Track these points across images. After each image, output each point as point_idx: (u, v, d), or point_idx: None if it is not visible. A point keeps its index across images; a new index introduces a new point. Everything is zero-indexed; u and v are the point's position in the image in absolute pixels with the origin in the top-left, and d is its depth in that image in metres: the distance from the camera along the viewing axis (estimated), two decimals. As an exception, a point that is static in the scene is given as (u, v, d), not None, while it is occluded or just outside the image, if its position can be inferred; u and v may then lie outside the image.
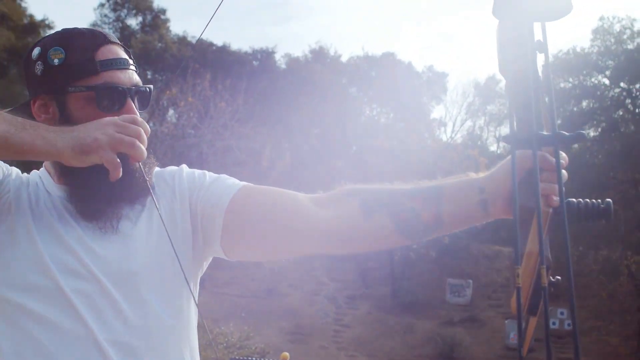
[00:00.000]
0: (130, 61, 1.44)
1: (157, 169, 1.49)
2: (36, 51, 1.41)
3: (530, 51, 1.10)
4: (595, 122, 28.82)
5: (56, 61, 1.37)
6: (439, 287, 25.93)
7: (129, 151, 1.25)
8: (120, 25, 37.23)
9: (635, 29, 27.86)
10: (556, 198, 1.19)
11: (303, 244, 1.46)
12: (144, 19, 37.83)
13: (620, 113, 29.04)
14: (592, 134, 28.13)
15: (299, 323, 22.93)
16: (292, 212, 1.43)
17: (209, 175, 1.52)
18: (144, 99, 1.44)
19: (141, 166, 1.38)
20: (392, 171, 22.32)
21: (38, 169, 1.49)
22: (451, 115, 39.50)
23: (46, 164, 1.46)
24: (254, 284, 24.42)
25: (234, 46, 35.22)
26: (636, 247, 23.79)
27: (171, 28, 38.29)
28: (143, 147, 1.27)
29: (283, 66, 36.73)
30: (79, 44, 1.39)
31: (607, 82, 28.87)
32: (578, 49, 28.73)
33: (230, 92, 26.16)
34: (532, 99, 1.10)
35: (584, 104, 28.97)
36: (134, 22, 38.04)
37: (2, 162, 1.40)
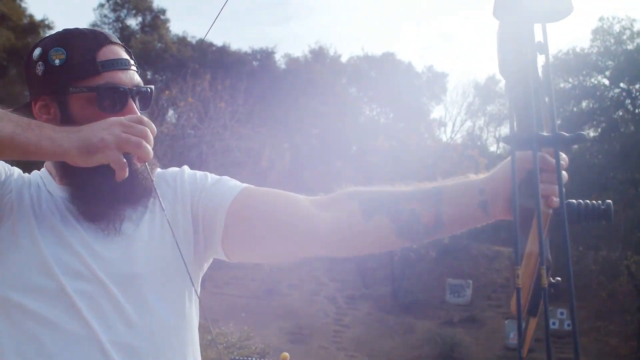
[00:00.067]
0: (132, 61, 1.43)
1: (158, 170, 1.49)
2: (37, 52, 1.40)
3: (530, 52, 1.10)
4: (595, 123, 28.85)
5: (57, 62, 1.37)
6: (439, 288, 25.94)
7: (135, 151, 1.25)
8: (120, 25, 37.27)
9: (635, 29, 27.90)
10: (556, 199, 1.19)
11: (304, 246, 1.46)
12: (143, 19, 37.86)
13: (620, 113, 29.06)
14: (592, 134, 28.16)
15: (299, 323, 22.94)
16: (292, 214, 1.43)
17: (211, 176, 1.51)
18: (145, 100, 1.44)
19: (147, 166, 1.38)
20: (392, 171, 22.33)
21: (39, 169, 1.49)
22: (451, 116, 39.58)
23: (47, 164, 1.46)
24: (254, 284, 24.43)
25: (234, 46, 35.33)
26: (636, 247, 23.82)
27: (171, 28, 38.38)
28: (149, 147, 1.26)
29: (283, 66, 36.77)
30: (80, 45, 1.39)
31: (606, 82, 28.89)
32: (578, 50, 28.79)
33: (230, 93, 26.18)
34: (532, 100, 1.10)
35: (584, 104, 29.00)
36: (133, 22, 38.12)
37: (3, 162, 1.39)
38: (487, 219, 1.34)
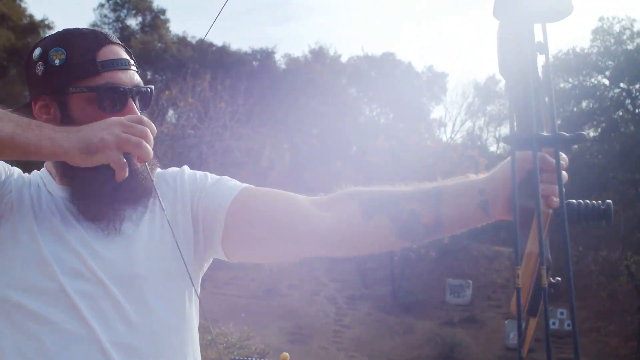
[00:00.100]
0: (132, 61, 1.43)
1: (158, 170, 1.49)
2: (37, 52, 1.40)
3: (530, 52, 1.10)
4: (595, 123, 28.85)
5: (57, 62, 1.37)
6: (439, 288, 25.95)
7: (135, 151, 1.25)
8: (120, 25, 37.28)
9: (635, 29, 27.91)
10: (556, 199, 1.19)
11: (304, 246, 1.46)
12: (143, 20, 37.87)
13: (620, 113, 29.07)
14: (592, 134, 28.16)
15: (299, 323, 22.95)
16: (292, 214, 1.43)
17: (211, 177, 1.51)
18: (145, 100, 1.44)
19: (147, 167, 1.38)
20: (392, 171, 22.33)
21: (39, 169, 1.49)
22: (451, 116, 39.55)
23: (47, 164, 1.46)
24: (254, 284, 24.44)
25: (234, 46, 35.29)
26: (636, 247, 23.82)
27: (171, 28, 38.38)
28: (149, 147, 1.27)
29: (283, 66, 36.77)
30: (80, 45, 1.38)
31: (606, 82, 28.90)
32: (578, 50, 28.80)
33: (230, 93, 26.18)
34: (532, 100, 1.10)
35: (584, 104, 29.00)
36: (133, 22, 38.13)
37: (3, 162, 1.39)
38: (487, 219, 1.34)
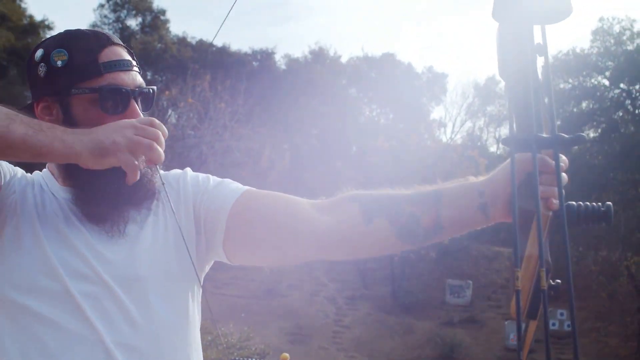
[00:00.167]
0: (134, 62, 1.43)
1: (161, 171, 1.50)
2: (39, 53, 1.40)
3: (530, 54, 1.10)
4: (595, 123, 28.83)
5: (59, 63, 1.36)
6: (439, 288, 25.94)
7: (147, 153, 1.25)
8: (120, 26, 37.25)
9: (635, 30, 27.89)
10: (556, 201, 1.19)
11: (304, 249, 1.46)
12: (143, 20, 37.84)
13: (620, 114, 29.05)
14: (592, 134, 28.14)
15: (298, 324, 22.94)
16: (293, 217, 1.43)
17: (213, 179, 1.52)
18: (148, 100, 1.44)
19: (158, 169, 1.38)
20: (392, 172, 22.34)
21: (40, 170, 1.49)
22: (451, 116, 39.58)
23: (50, 165, 1.46)
24: (254, 285, 24.43)
25: (234, 47, 35.23)
26: (636, 248, 23.80)
27: (171, 29, 38.33)
28: (161, 150, 1.27)
29: (283, 67, 36.75)
30: (82, 46, 1.38)
31: (606, 83, 28.88)
32: (578, 50, 28.78)
33: (230, 93, 26.15)
34: (531, 102, 1.10)
35: (584, 104, 28.98)
36: (133, 22, 38.09)
37: (6, 162, 1.39)
38: (487, 222, 1.34)
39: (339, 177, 24.59)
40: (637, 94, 28.60)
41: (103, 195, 1.35)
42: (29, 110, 1.41)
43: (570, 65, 28.03)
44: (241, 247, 1.48)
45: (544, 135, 1.10)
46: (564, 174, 1.19)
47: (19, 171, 1.44)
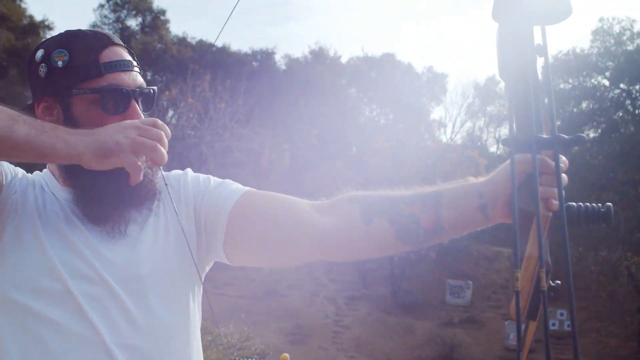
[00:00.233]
0: (134, 63, 1.43)
1: (162, 172, 1.50)
2: (40, 53, 1.40)
3: (530, 55, 1.10)
4: (595, 123, 28.83)
5: (60, 63, 1.37)
6: (439, 288, 25.92)
7: (150, 154, 1.24)
8: (120, 26, 37.24)
9: (635, 30, 27.89)
10: (556, 202, 1.18)
11: (304, 250, 1.46)
12: (143, 20, 37.83)
13: (620, 114, 29.05)
14: (592, 134, 28.14)
15: (298, 324, 22.93)
16: (293, 218, 1.43)
17: (213, 179, 1.52)
18: (148, 101, 1.45)
19: (161, 170, 1.38)
20: (391, 172, 22.34)
21: (41, 170, 1.49)
22: (451, 116, 39.60)
23: (50, 165, 1.46)
24: (254, 285, 24.42)
25: (234, 47, 35.18)
26: (636, 248, 23.78)
27: (171, 29, 38.32)
28: (164, 151, 1.26)
29: (283, 67, 36.74)
30: (83, 46, 1.38)
31: (606, 83, 28.88)
32: (578, 50, 28.78)
33: (230, 93, 26.17)
34: (531, 102, 1.10)
35: (584, 104, 28.98)
36: (133, 23, 38.08)
37: (7, 162, 1.39)
38: (487, 222, 1.34)
39: (339, 177, 24.59)
40: (637, 94, 28.60)
41: (104, 195, 1.36)
42: (29, 110, 1.41)
43: (570, 65, 28.04)
44: (241, 248, 1.48)
45: (544, 135, 1.10)
46: (564, 175, 1.19)
47: (20, 171, 1.44)
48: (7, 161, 1.37)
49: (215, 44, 22.99)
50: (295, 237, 1.43)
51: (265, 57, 36.57)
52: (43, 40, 1.52)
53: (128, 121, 1.28)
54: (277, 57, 37.54)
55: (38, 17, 32.78)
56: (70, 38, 1.41)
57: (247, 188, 1.51)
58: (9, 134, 1.17)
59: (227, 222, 1.44)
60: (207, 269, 1.56)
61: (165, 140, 1.27)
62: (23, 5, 31.92)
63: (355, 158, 30.62)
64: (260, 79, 31.59)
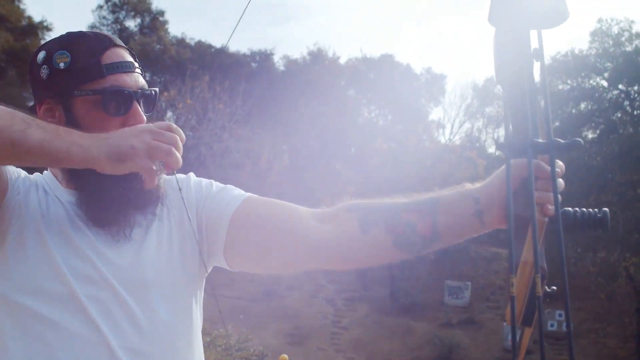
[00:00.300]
0: (136, 64, 1.43)
1: (164, 176, 1.50)
2: (41, 55, 1.40)
3: (526, 59, 1.10)
4: (593, 124, 28.80)
5: (62, 65, 1.37)
6: (438, 289, 25.91)
7: (166, 159, 1.23)
8: (119, 27, 37.17)
9: (634, 31, 27.86)
10: (552, 207, 1.18)
11: (303, 258, 1.46)
12: (142, 21, 37.77)
13: (619, 115, 29.02)
14: (590, 136, 28.11)
15: (297, 325, 22.91)
16: (293, 226, 1.44)
17: (216, 184, 1.53)
18: (150, 102, 1.45)
19: (175, 174, 1.38)
20: (390, 173, 22.33)
21: (41, 172, 1.49)
22: (449, 117, 39.64)
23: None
24: (253, 286, 24.39)
25: (233, 48, 35.08)
26: (635, 249, 23.75)
27: (170, 30, 38.27)
28: (179, 155, 1.25)
29: (281, 68, 36.70)
30: (85, 48, 1.38)
31: (605, 84, 28.85)
32: (576, 51, 28.73)
33: (229, 94, 26.12)
34: (527, 107, 1.10)
35: (582, 106, 28.94)
36: (132, 24, 38.01)
37: None
38: (483, 228, 1.34)
39: (338, 178, 24.60)
40: (636, 95, 28.59)
41: (109, 199, 1.36)
42: (31, 112, 1.41)
43: (568, 66, 28.01)
44: (241, 254, 1.49)
45: (540, 140, 1.10)
46: (560, 180, 1.18)
47: (22, 172, 1.43)
48: (18, 165, 1.36)
49: (214, 45, 22.97)
50: (295, 245, 1.44)
51: (264, 58, 36.53)
52: (44, 42, 1.52)
53: (142, 125, 1.28)
54: (276, 58, 37.54)
55: (37, 18, 32.69)
56: (72, 40, 1.41)
57: (248, 194, 1.51)
58: (22, 139, 1.16)
59: (227, 228, 1.45)
60: (209, 270, 1.56)
61: (180, 145, 1.26)
62: (22, 6, 31.84)
63: (354, 159, 30.60)
64: (259, 80, 31.57)
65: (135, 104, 1.39)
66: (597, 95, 28.63)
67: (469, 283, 25.93)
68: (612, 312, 23.36)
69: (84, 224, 1.38)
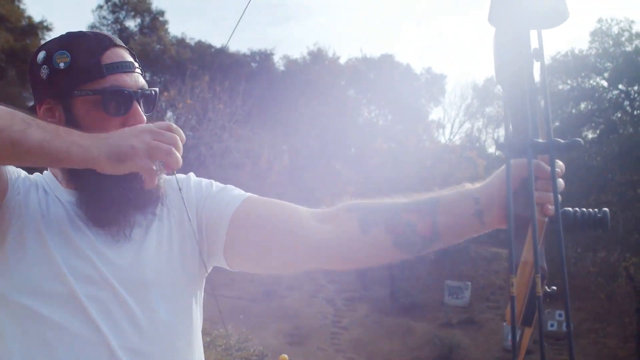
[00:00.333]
0: (136, 64, 1.43)
1: (164, 176, 1.50)
2: (41, 55, 1.40)
3: (526, 59, 1.10)
4: (593, 124, 28.80)
5: (62, 65, 1.36)
6: (438, 289, 25.91)
7: (166, 159, 1.23)
8: (119, 27, 37.17)
9: (634, 31, 27.86)
10: (551, 207, 1.17)
11: (303, 258, 1.46)
12: (142, 21, 37.77)
13: (619, 115, 29.02)
14: (590, 136, 28.12)
15: (297, 325, 22.91)
16: (293, 226, 1.44)
17: (216, 184, 1.53)
18: (150, 102, 1.45)
19: (175, 175, 1.38)
20: (390, 173, 22.33)
21: (41, 172, 1.49)
22: (449, 117, 39.66)
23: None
24: (253, 286, 24.39)
25: (233, 48, 35.08)
26: (634, 248, 23.75)
27: (170, 30, 38.26)
28: (179, 155, 1.25)
29: (281, 68, 36.71)
30: (85, 48, 1.38)
31: (605, 84, 28.84)
32: (576, 51, 28.73)
33: (229, 94, 26.13)
34: (527, 107, 1.10)
35: (583, 106, 28.94)
36: (132, 24, 38.01)
37: None
38: (483, 228, 1.34)
39: (338, 178, 24.61)
40: (636, 95, 28.59)
41: (109, 199, 1.36)
42: (31, 112, 1.41)
43: (568, 66, 28.01)
44: (241, 254, 1.49)
45: (540, 140, 1.10)
46: (560, 180, 1.18)
47: (22, 172, 1.43)
48: (18, 165, 1.36)
49: (214, 45, 22.97)
50: (295, 245, 1.44)
51: (264, 58, 36.54)
52: (44, 42, 1.52)
53: (142, 125, 1.28)
54: (276, 58, 37.55)
55: (37, 18, 32.69)
56: (72, 40, 1.41)
57: (248, 194, 1.51)
58: (23, 139, 1.16)
59: (227, 228, 1.45)
60: (209, 270, 1.56)
61: (180, 145, 1.26)
62: (22, 6, 31.84)
63: (354, 159, 30.60)
64: (259, 80, 31.58)
65: (135, 104, 1.39)
66: (597, 95, 28.63)
67: (469, 283, 25.93)
68: (612, 312, 23.36)
69: (84, 224, 1.38)
